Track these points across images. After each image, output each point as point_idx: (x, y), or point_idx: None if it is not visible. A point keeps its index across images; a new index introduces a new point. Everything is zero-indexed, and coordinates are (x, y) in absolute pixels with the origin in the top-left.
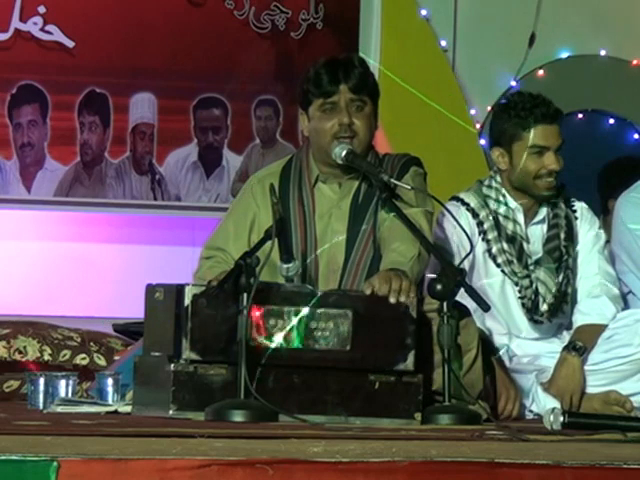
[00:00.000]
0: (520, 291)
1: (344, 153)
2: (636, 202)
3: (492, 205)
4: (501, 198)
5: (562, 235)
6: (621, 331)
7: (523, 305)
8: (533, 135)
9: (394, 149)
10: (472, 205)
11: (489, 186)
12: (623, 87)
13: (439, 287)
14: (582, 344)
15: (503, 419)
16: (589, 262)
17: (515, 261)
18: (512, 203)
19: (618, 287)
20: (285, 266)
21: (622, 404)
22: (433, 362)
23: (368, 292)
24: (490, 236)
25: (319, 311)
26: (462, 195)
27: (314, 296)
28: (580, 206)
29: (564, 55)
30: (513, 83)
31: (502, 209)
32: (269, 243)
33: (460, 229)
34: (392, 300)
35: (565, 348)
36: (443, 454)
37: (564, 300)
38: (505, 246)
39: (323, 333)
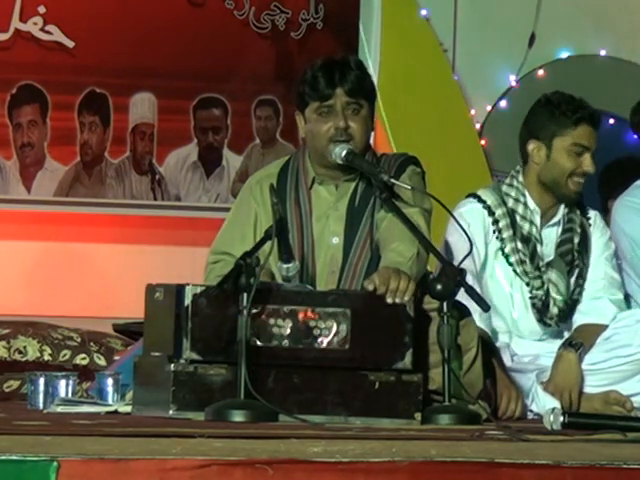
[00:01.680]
0: (531, 291)
1: (344, 153)
2: (632, 206)
3: (510, 204)
4: (521, 198)
5: (575, 240)
6: (621, 331)
7: (533, 305)
8: (579, 133)
9: (394, 149)
10: (489, 202)
11: (510, 184)
12: (623, 87)
13: (439, 287)
14: (579, 340)
15: (506, 419)
16: (596, 267)
17: (527, 261)
18: (531, 204)
19: (622, 293)
20: (285, 266)
21: (622, 404)
22: (429, 361)
23: (370, 288)
24: (505, 234)
25: (318, 310)
26: (480, 192)
27: (313, 295)
28: (594, 214)
29: (564, 55)
30: (513, 83)
31: (520, 209)
32: (269, 243)
33: (474, 228)
34: (389, 301)
35: (562, 345)
36: (443, 454)
37: (575, 307)
38: (519, 245)
39: (322, 332)
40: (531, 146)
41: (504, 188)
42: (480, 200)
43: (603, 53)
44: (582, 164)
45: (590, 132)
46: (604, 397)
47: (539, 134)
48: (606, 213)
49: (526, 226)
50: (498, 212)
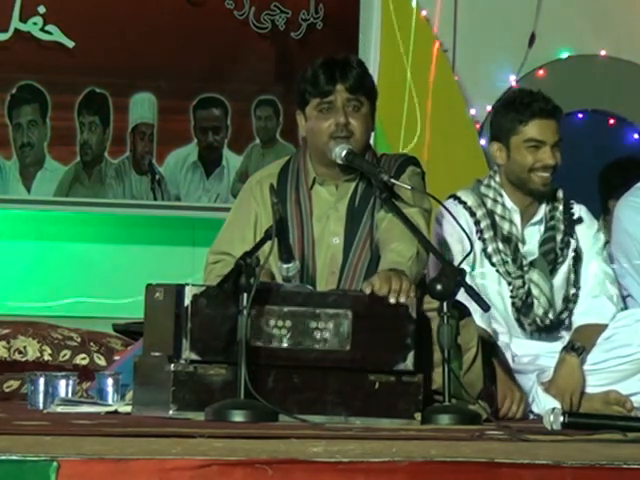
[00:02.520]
0: (512, 291)
1: (344, 153)
2: (635, 206)
3: (489, 204)
4: (499, 198)
5: (558, 237)
6: (621, 331)
7: (513, 304)
8: (530, 129)
9: (393, 149)
10: (469, 204)
11: (487, 185)
12: (623, 87)
13: (439, 287)
14: (581, 344)
15: (507, 419)
16: (588, 262)
17: (510, 261)
18: (509, 203)
19: (617, 287)
20: (285, 266)
21: (622, 404)
22: (432, 361)
23: (368, 291)
24: (486, 235)
25: (319, 311)
26: (460, 193)
27: (314, 296)
28: (579, 208)
29: (564, 55)
30: (513, 83)
31: (499, 209)
32: (269, 243)
33: (460, 229)
34: (392, 300)
35: (564, 348)
36: (443, 454)
37: (562, 316)
38: (500, 246)
39: (323, 333)
40: (493, 148)
41: (482, 189)
42: (460, 201)
43: (603, 53)
44: (540, 157)
45: (544, 125)
46: (604, 397)
47: (498, 135)
48: (606, 213)
49: (506, 226)
50: (479, 213)
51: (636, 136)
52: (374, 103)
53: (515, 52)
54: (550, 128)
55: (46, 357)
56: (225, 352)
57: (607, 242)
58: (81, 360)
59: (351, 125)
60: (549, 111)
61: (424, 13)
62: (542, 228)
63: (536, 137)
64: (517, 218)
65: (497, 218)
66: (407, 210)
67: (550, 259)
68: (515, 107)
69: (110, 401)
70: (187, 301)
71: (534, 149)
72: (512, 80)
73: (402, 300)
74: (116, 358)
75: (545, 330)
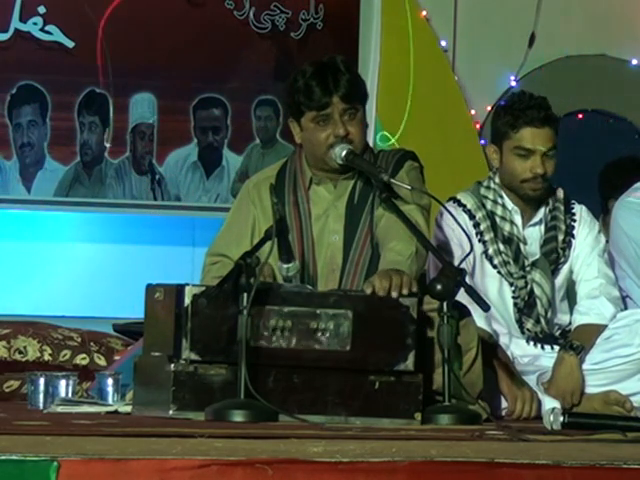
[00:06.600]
0: (514, 291)
1: (344, 153)
2: (633, 207)
3: (489, 206)
4: (499, 199)
5: (560, 237)
6: (621, 331)
7: (515, 305)
8: (520, 136)
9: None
10: (469, 206)
11: (487, 187)
12: (622, 87)
13: (439, 287)
14: (579, 343)
15: (523, 420)
16: (589, 265)
17: (511, 262)
18: (509, 204)
19: (617, 289)
20: (285, 266)
21: (622, 404)
22: (434, 362)
23: (369, 291)
24: (487, 237)
25: (319, 311)
26: (459, 196)
27: (314, 296)
28: (579, 209)
29: (564, 55)
30: (513, 83)
31: (499, 210)
32: (269, 243)
33: (460, 229)
34: (394, 294)
35: (562, 348)
36: (443, 454)
37: (553, 323)
38: (501, 247)
39: (323, 333)
40: (490, 150)
41: (482, 190)
42: (460, 204)
43: (603, 53)
44: (529, 166)
45: (535, 134)
46: (604, 397)
47: (494, 138)
48: (606, 213)
49: (506, 227)
50: (478, 215)
51: (636, 136)
52: (365, 103)
53: (515, 52)
54: (541, 137)
55: (46, 357)
56: (225, 352)
57: (607, 241)
58: (81, 360)
59: (350, 134)
60: (541, 119)
61: (424, 13)
62: (542, 228)
63: (525, 145)
64: (518, 219)
65: (497, 219)
66: (405, 207)
67: (552, 259)
68: (511, 112)
69: (110, 401)
70: (187, 301)
71: (523, 157)
72: (512, 80)
73: (405, 292)
74: (116, 358)
75: (543, 340)
